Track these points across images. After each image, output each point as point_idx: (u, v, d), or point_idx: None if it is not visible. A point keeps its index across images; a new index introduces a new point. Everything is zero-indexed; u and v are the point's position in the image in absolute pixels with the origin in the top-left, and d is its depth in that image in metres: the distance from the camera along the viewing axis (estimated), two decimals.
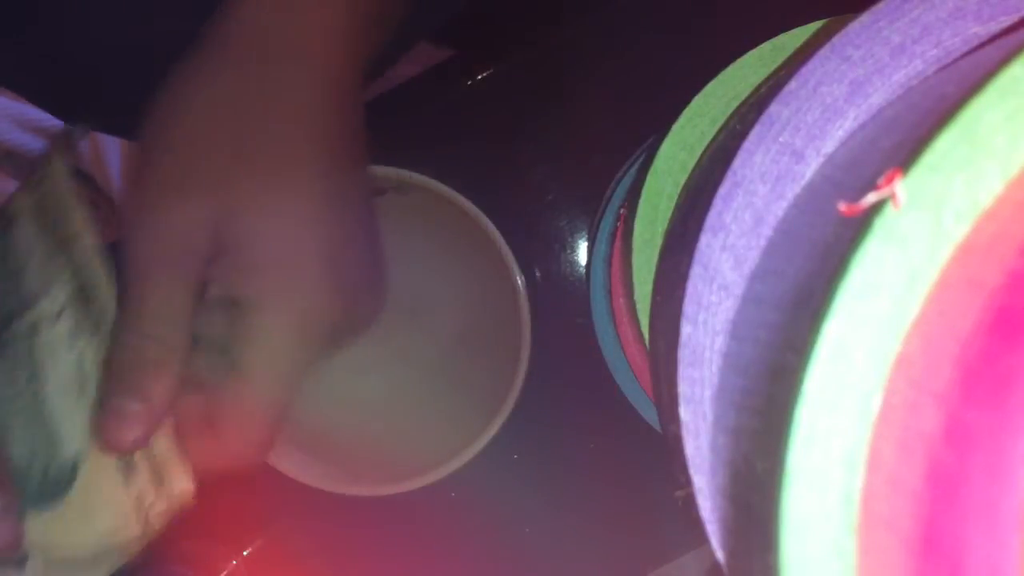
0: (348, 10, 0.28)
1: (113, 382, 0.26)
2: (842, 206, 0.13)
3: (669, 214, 0.27)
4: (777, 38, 0.27)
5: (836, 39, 0.17)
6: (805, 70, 0.17)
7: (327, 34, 0.27)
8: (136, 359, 0.25)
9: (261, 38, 0.27)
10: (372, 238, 0.31)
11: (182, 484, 0.26)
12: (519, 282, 0.35)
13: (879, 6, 0.17)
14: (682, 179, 0.28)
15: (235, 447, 0.26)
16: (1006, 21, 0.17)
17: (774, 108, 0.17)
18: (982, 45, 0.17)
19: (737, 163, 0.18)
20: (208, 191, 0.26)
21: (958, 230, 0.12)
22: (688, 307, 0.18)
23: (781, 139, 0.17)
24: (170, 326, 0.26)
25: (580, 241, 0.41)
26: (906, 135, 0.15)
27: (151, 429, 0.26)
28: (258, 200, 0.26)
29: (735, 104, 0.27)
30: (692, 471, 0.18)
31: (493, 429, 0.35)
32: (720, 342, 0.18)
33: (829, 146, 0.18)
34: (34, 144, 0.73)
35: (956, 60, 0.17)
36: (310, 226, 0.26)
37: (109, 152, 0.72)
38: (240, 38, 0.27)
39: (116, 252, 0.39)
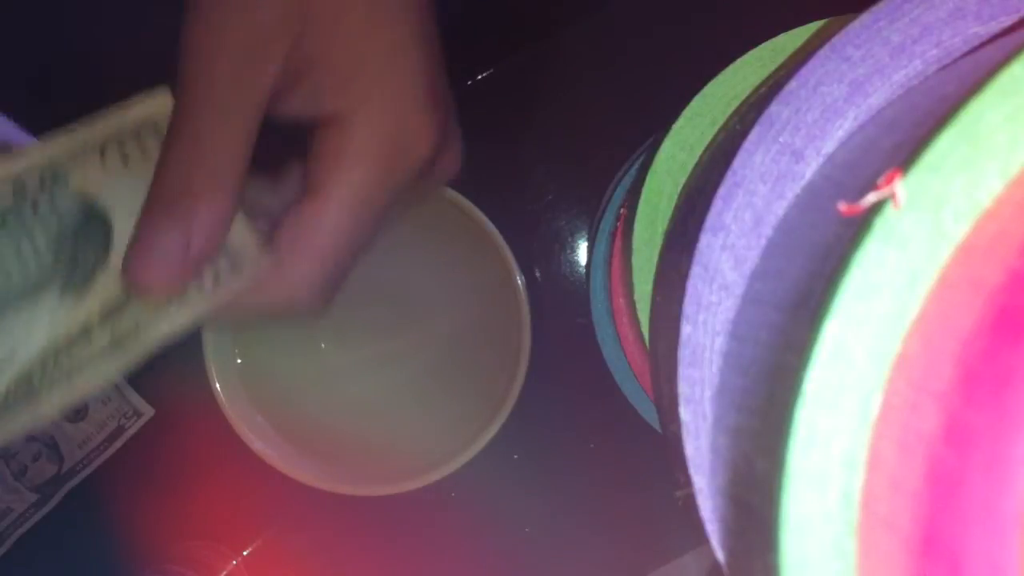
0: None
1: (146, 210, 0.21)
2: (842, 206, 0.13)
3: (669, 214, 0.27)
4: (777, 38, 0.27)
5: (836, 39, 0.17)
6: (805, 70, 0.17)
7: None
8: (179, 184, 0.21)
9: None
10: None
11: (256, 262, 0.23)
12: (519, 282, 0.35)
13: (879, 6, 0.17)
14: (682, 179, 0.28)
15: (297, 279, 0.23)
16: (1006, 21, 0.17)
17: (774, 108, 0.17)
18: (982, 45, 0.17)
19: (737, 163, 0.18)
20: None
21: (958, 230, 0.12)
22: (688, 307, 0.18)
23: (781, 139, 0.17)
24: (227, 154, 0.21)
25: (580, 241, 0.41)
26: (906, 135, 0.15)
27: (186, 272, 0.21)
28: (347, 6, 0.22)
29: (735, 104, 0.27)
30: (692, 471, 0.18)
31: (493, 429, 0.35)
32: (720, 342, 0.18)
33: (829, 146, 0.18)
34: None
35: (956, 60, 0.17)
36: (405, 43, 0.23)
37: None
38: None
39: None
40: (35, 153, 0.23)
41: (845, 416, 0.13)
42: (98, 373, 0.23)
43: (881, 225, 0.12)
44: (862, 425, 0.13)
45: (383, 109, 0.22)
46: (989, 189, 0.12)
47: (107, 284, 0.23)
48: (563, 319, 0.40)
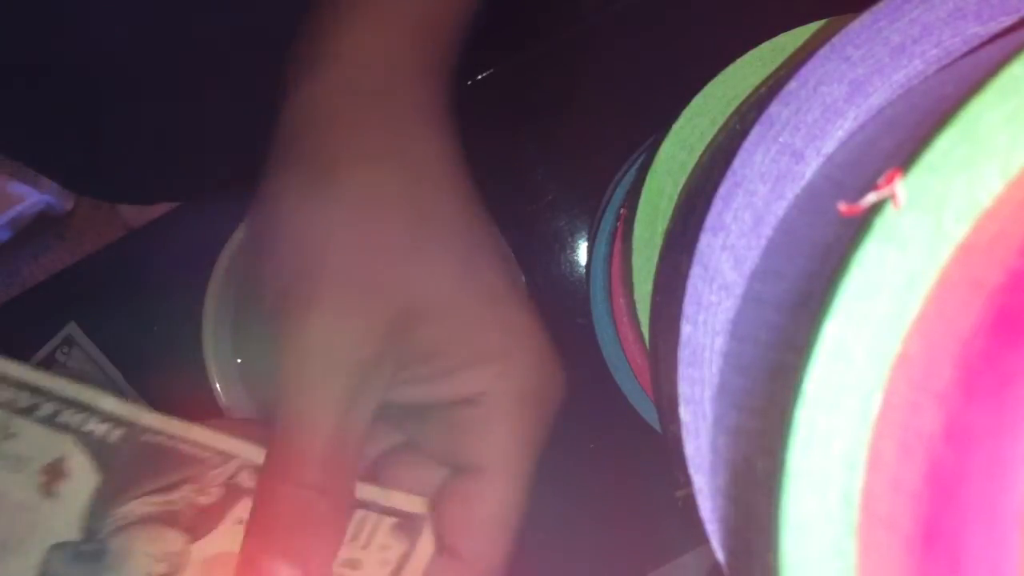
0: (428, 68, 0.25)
1: (259, 538, 0.21)
2: (842, 206, 0.13)
3: (669, 214, 0.27)
4: (777, 38, 0.27)
5: (836, 39, 0.17)
6: (805, 70, 0.17)
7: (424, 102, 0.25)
8: (294, 514, 0.21)
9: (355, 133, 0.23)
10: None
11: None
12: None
13: (879, 6, 0.17)
14: (682, 179, 0.28)
15: (484, 561, 0.22)
16: (1006, 21, 0.17)
17: (774, 108, 0.17)
18: (982, 45, 0.17)
19: (737, 163, 0.18)
20: (382, 293, 0.22)
21: (958, 230, 0.12)
22: (688, 307, 0.18)
23: (781, 139, 0.17)
24: (342, 473, 0.21)
25: (580, 241, 0.41)
26: (906, 135, 0.15)
27: None
28: (438, 292, 0.22)
29: (735, 104, 0.27)
30: (692, 471, 0.18)
31: None
32: (720, 342, 0.18)
33: (829, 146, 0.18)
34: None
35: (956, 60, 0.17)
36: (492, 300, 0.23)
37: None
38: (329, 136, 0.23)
39: (114, 251, 0.38)
40: None
41: (845, 416, 0.13)
42: None
43: (881, 225, 0.12)
44: (862, 425, 0.13)
45: (518, 378, 0.23)
46: (989, 189, 0.12)
47: None
48: (563, 319, 0.40)
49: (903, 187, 0.12)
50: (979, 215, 0.12)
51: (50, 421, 0.23)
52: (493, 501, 0.22)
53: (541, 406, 0.24)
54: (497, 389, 0.23)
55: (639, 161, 0.34)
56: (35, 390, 0.23)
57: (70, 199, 0.95)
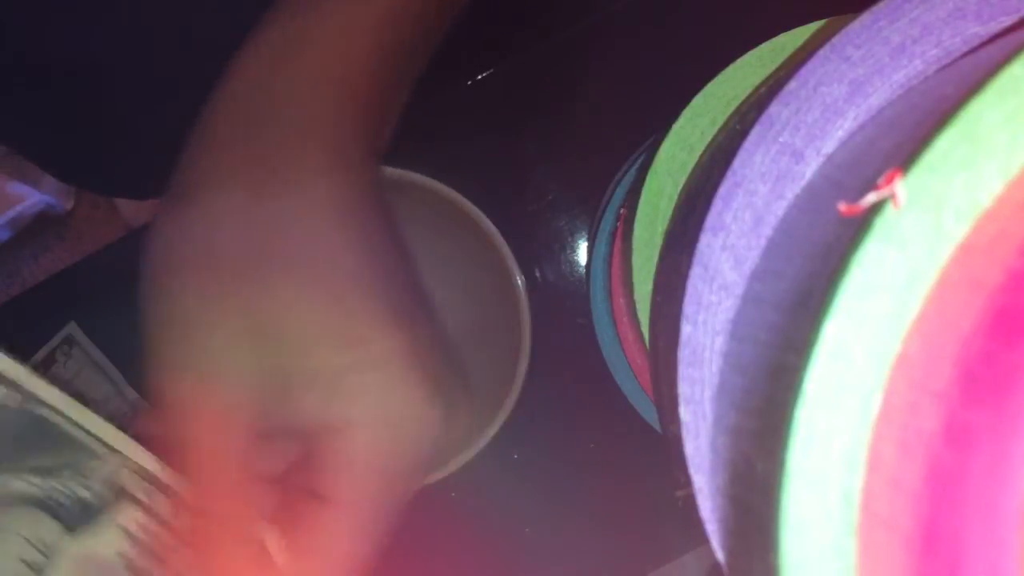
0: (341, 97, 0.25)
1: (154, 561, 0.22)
2: (842, 206, 0.13)
3: (669, 214, 0.27)
4: (777, 38, 0.27)
5: (836, 39, 0.17)
6: (805, 70, 0.17)
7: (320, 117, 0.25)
8: (197, 539, 0.22)
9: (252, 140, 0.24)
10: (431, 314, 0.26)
11: None
12: (519, 282, 0.35)
13: (879, 6, 0.17)
14: (682, 179, 0.28)
15: None
16: (1006, 21, 0.17)
17: (774, 108, 0.17)
18: (982, 45, 0.17)
19: (737, 163, 0.18)
20: (234, 311, 0.22)
21: (958, 230, 0.12)
22: (688, 307, 0.18)
23: (781, 139, 0.17)
24: (221, 495, 0.22)
25: (580, 241, 0.41)
26: (906, 135, 0.15)
27: None
28: (288, 317, 0.22)
29: (735, 104, 0.27)
30: (692, 471, 0.18)
31: (493, 429, 0.35)
32: (720, 342, 0.18)
33: (829, 146, 0.18)
34: None
35: (956, 60, 0.17)
36: (388, 329, 0.23)
37: None
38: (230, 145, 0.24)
39: (114, 251, 0.38)
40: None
41: (845, 416, 0.13)
42: None
43: (881, 225, 0.12)
44: (862, 425, 0.13)
45: (383, 410, 0.22)
46: (989, 189, 0.12)
47: None
48: (563, 319, 0.40)
49: (903, 187, 0.12)
50: (979, 215, 0.12)
51: None
52: (341, 530, 0.22)
53: (407, 441, 0.23)
54: (362, 423, 0.22)
55: (639, 161, 0.34)
56: None
57: (70, 199, 0.95)
